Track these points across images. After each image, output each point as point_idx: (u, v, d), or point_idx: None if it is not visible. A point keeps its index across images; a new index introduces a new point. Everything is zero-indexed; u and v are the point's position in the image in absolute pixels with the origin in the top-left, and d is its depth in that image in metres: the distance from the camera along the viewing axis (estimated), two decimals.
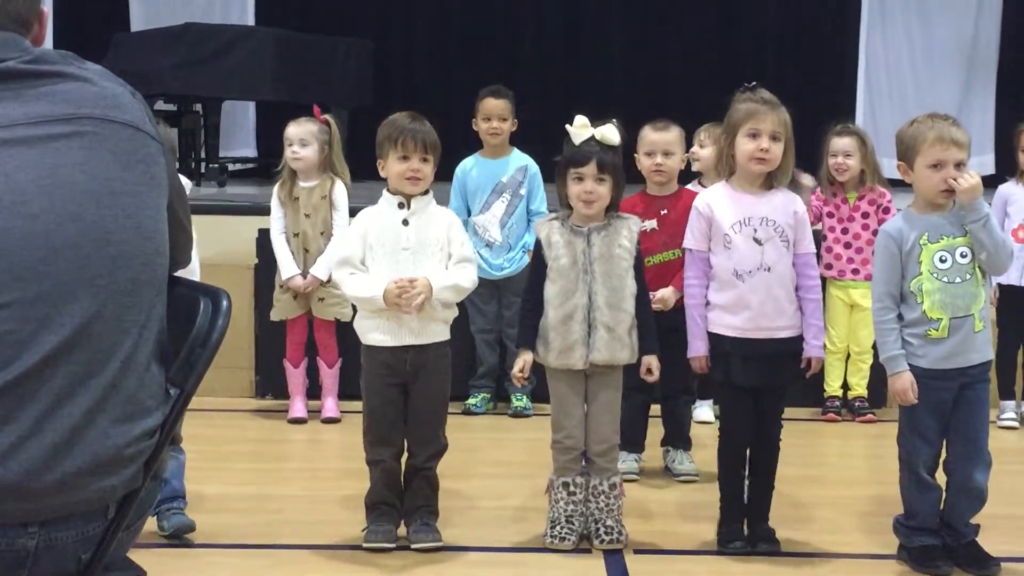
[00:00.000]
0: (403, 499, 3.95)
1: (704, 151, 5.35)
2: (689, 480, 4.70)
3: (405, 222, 3.92)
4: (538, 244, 3.99)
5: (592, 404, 3.96)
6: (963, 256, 3.68)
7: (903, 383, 3.70)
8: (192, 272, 3.88)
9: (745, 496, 3.95)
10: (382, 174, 3.98)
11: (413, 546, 3.86)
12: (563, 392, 3.97)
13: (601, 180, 3.89)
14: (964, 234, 3.68)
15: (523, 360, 3.96)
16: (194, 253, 3.90)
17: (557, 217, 4.01)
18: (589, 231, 3.92)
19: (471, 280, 3.95)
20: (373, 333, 3.91)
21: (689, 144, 5.06)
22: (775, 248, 3.85)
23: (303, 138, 5.57)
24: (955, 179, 3.64)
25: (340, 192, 5.58)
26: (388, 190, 3.98)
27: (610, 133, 3.92)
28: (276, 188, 5.65)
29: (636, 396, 4.57)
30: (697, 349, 3.92)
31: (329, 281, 5.34)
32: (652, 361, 4.00)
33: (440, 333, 3.93)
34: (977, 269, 3.70)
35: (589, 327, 3.88)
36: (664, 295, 4.57)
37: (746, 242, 3.85)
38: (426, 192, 3.96)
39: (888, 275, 3.74)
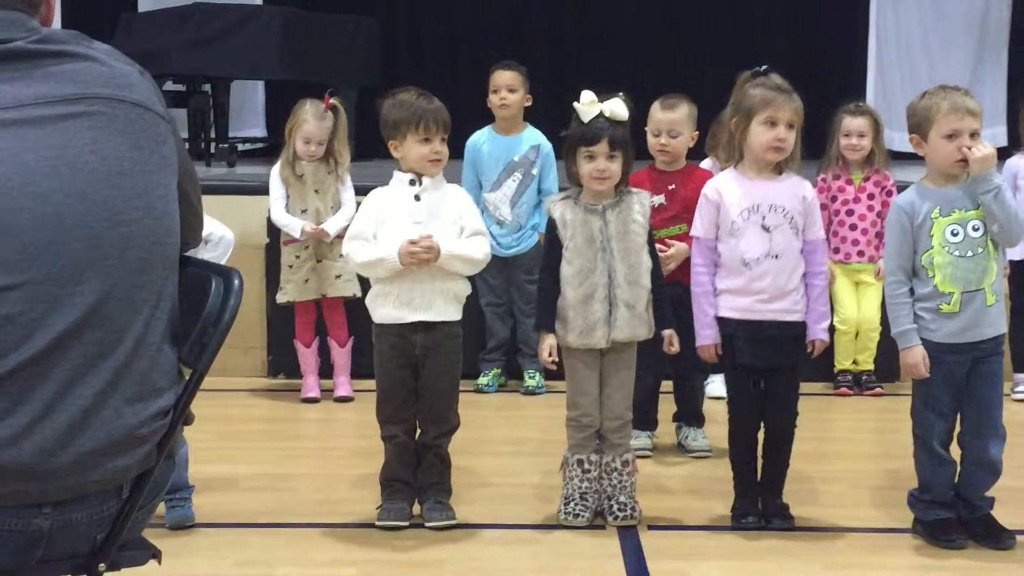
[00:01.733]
0: (415, 474, 3.96)
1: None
2: (702, 456, 4.70)
3: (417, 197, 3.90)
4: (552, 224, 3.96)
5: (607, 381, 3.95)
6: (975, 229, 3.66)
7: (914, 357, 3.69)
8: (226, 248, 3.91)
9: (758, 473, 3.95)
10: (395, 155, 3.95)
11: (427, 524, 3.87)
12: (580, 370, 3.96)
13: (612, 157, 3.87)
14: (976, 207, 3.66)
15: (548, 344, 3.93)
16: (224, 229, 3.91)
17: (569, 196, 3.99)
18: (604, 208, 3.91)
19: (483, 252, 3.92)
20: (383, 309, 3.90)
21: (700, 125, 4.96)
22: (784, 235, 3.83)
23: (322, 139, 5.58)
24: (969, 148, 3.62)
25: (345, 173, 5.64)
26: (401, 170, 3.97)
27: (618, 108, 3.89)
28: (278, 168, 5.65)
29: (647, 376, 4.56)
30: (706, 338, 3.89)
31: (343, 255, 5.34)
32: (672, 335, 3.99)
33: (451, 312, 3.92)
34: (989, 242, 3.68)
35: (610, 305, 3.87)
36: (679, 249, 4.51)
37: (754, 230, 3.82)
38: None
39: (900, 249, 3.72)
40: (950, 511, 3.77)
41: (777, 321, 3.83)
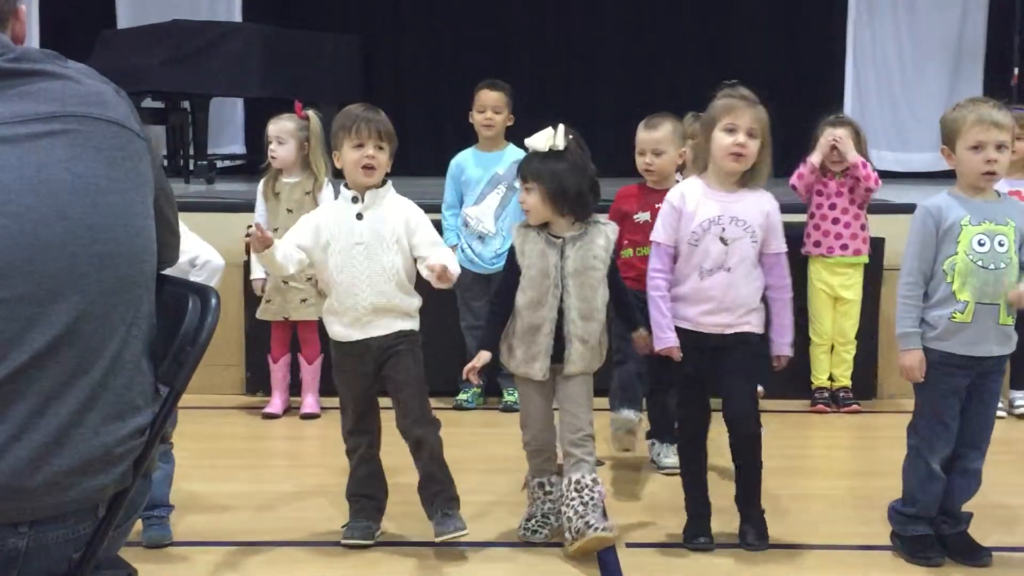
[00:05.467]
0: (384, 490, 3.96)
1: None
2: (674, 473, 4.70)
3: (359, 216, 3.87)
4: (512, 250, 3.94)
5: (563, 400, 3.92)
6: (1001, 245, 3.65)
7: (912, 360, 3.69)
8: (211, 272, 3.77)
9: (707, 488, 3.98)
10: (338, 165, 3.94)
11: (437, 539, 3.79)
12: (528, 395, 3.97)
13: (528, 190, 3.88)
14: (1006, 223, 3.66)
15: (481, 360, 3.87)
16: (212, 253, 3.83)
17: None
18: (564, 242, 3.88)
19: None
20: (334, 327, 3.91)
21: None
22: (741, 248, 3.83)
23: (279, 136, 5.62)
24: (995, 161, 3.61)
25: (327, 191, 5.55)
26: (345, 184, 3.93)
27: (534, 141, 3.90)
28: (261, 184, 5.72)
29: (629, 363, 4.57)
30: (666, 340, 3.87)
31: (310, 278, 5.33)
32: (642, 333, 4.00)
33: (402, 325, 3.88)
34: (1015, 259, 3.66)
35: (562, 340, 3.85)
36: None
37: (712, 241, 3.83)
38: (384, 183, 3.90)
39: (921, 252, 3.70)
40: (929, 528, 3.77)
41: (719, 334, 3.85)
